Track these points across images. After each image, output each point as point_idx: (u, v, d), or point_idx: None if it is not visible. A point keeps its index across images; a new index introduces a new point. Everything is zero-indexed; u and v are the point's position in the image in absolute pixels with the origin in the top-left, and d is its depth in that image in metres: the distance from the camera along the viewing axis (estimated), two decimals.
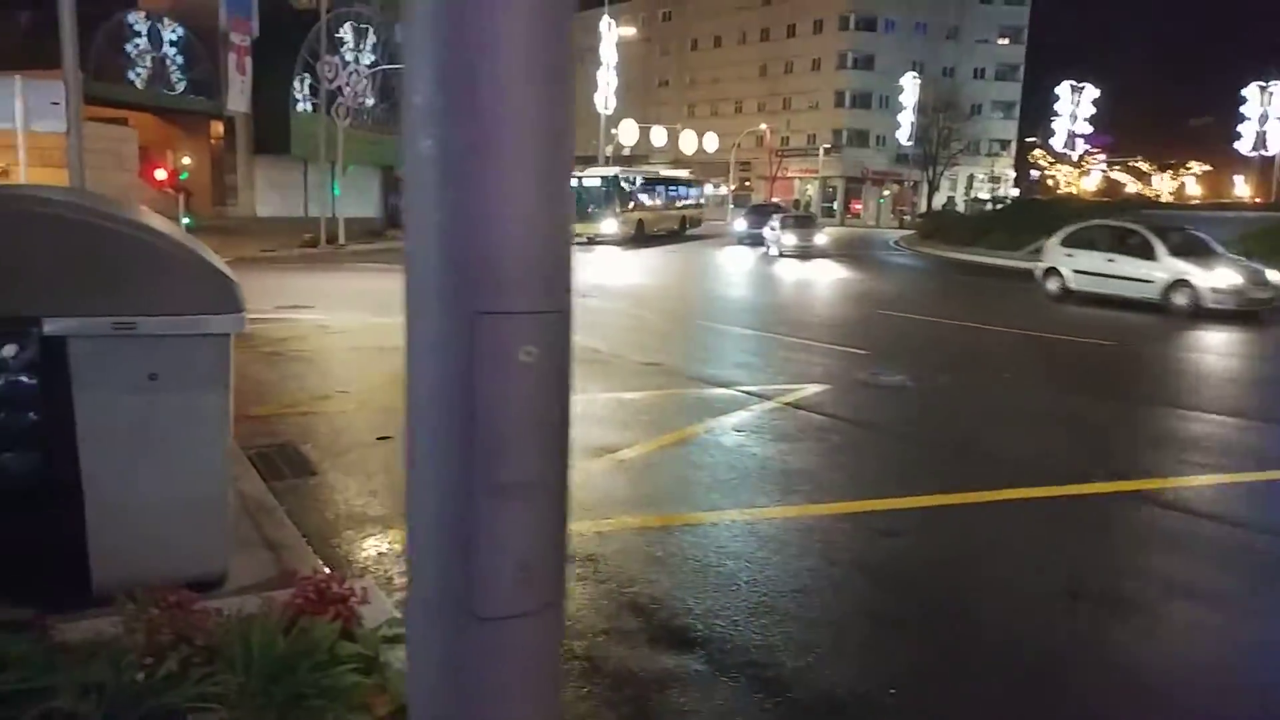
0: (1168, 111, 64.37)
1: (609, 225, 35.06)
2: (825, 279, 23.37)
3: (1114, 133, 55.36)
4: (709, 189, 75.85)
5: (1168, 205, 38.33)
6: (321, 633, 2.63)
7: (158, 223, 3.77)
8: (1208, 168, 49.67)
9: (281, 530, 4.57)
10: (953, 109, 63.18)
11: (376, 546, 4.74)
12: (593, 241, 34.66)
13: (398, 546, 4.69)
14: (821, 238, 31.13)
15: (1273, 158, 45.13)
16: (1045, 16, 70.23)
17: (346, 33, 36.85)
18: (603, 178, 36.17)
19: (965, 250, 31.20)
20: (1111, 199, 39.81)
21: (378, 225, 37.29)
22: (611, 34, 47.80)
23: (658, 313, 15.60)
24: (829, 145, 65.34)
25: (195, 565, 3.70)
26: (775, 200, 56.57)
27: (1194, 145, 53.30)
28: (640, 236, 36.31)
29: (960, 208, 61.35)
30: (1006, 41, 74.27)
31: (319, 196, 34.57)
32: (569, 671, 3.49)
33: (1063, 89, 67.67)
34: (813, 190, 68.63)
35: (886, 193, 66.97)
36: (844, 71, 69.49)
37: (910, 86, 65.14)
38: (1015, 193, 71.37)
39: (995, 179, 72.32)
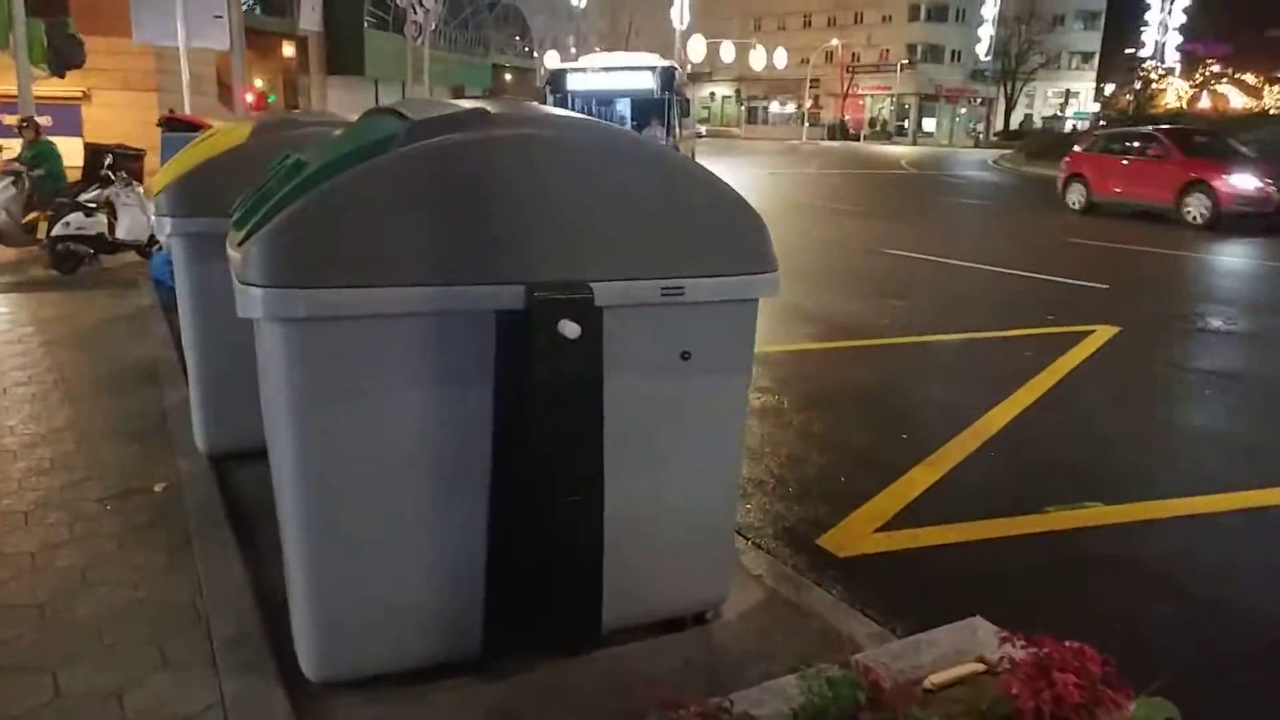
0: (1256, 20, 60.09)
1: None
2: (968, 206, 21.33)
3: (1220, 42, 51.75)
4: (774, 107, 72.96)
5: None
6: None
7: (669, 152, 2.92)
8: None
9: None
10: (1035, 20, 59.88)
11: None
12: None
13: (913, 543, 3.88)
14: None
15: None
16: None
17: None
18: (649, 69, 19.77)
19: None
20: (1223, 113, 37.11)
21: None
22: None
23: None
24: (905, 61, 62.31)
25: (700, 591, 2.96)
26: None
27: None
28: None
29: (1038, 125, 58.58)
30: None
31: None
32: None
33: None
34: (886, 108, 65.85)
35: (963, 110, 64.00)
36: None
37: None
38: (1096, 108, 67.99)
39: (1075, 95, 68.95)
